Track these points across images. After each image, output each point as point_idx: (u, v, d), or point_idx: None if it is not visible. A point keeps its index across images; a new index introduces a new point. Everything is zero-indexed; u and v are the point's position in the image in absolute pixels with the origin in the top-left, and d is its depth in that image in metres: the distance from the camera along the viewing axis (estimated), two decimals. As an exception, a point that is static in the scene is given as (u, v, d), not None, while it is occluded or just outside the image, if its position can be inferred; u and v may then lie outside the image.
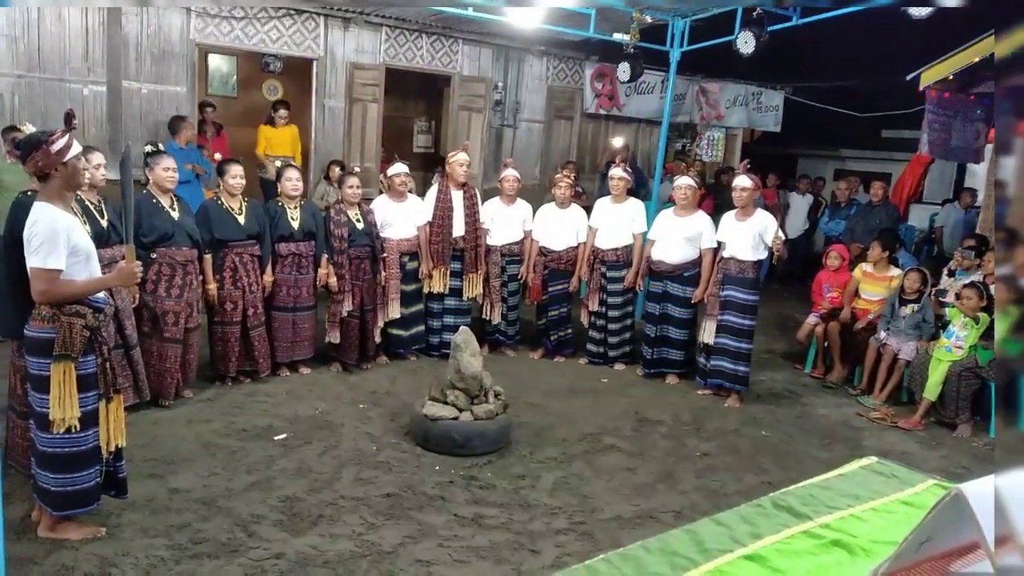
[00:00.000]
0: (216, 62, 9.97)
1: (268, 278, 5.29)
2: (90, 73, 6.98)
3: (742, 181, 5.57)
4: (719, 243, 5.76)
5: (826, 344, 6.52)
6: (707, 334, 5.72)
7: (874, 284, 6.38)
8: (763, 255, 5.60)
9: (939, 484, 2.82)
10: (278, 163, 6.18)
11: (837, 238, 8.90)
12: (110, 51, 6.96)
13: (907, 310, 5.94)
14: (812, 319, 6.67)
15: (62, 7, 6.68)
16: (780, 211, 10.34)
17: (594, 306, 6.27)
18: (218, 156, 6.61)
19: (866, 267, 6.48)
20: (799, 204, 10.72)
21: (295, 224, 5.41)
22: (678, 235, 5.87)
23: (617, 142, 10.45)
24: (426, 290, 6.16)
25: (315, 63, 8.23)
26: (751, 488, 4.33)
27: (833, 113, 11.80)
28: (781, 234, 5.49)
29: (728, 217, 5.75)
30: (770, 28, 6.57)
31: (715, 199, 9.64)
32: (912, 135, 9.28)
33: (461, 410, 4.47)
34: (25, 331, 3.11)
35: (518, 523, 3.75)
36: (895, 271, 6.35)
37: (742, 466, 4.63)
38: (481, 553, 3.46)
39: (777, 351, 7.32)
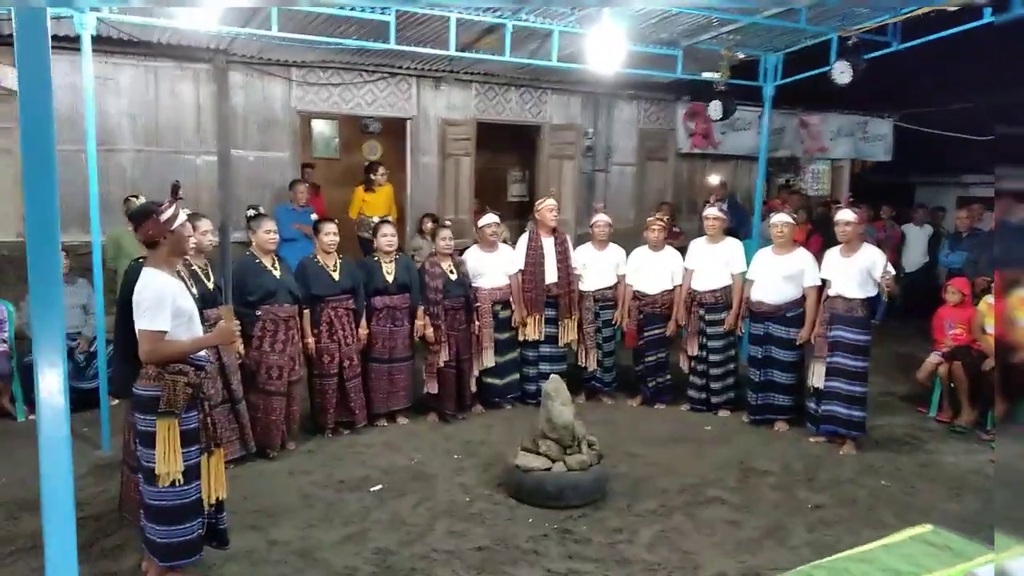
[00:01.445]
0: (319, 126, 10.50)
1: (363, 331, 5.42)
2: (202, 144, 7.49)
3: (845, 215, 5.31)
4: (824, 281, 5.48)
5: (952, 385, 6.03)
6: (816, 377, 5.41)
7: (1002, 318, 5.87)
8: (872, 292, 5.27)
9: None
10: (375, 220, 6.39)
11: (959, 271, 8.31)
12: (220, 123, 7.46)
13: (1043, 345, 5.42)
14: (934, 358, 6.20)
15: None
16: (890, 244, 9.78)
17: (693, 350, 6.07)
18: (314, 216, 6.90)
19: (990, 300, 5.99)
20: (916, 236, 10.10)
21: (389, 278, 5.54)
22: (777, 274, 5.63)
23: (713, 180, 10.24)
24: (520, 338, 6.15)
25: (409, 122, 8.54)
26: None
27: (951, 138, 11.14)
28: (891, 269, 5.16)
29: (833, 253, 5.47)
30: (868, 55, 6.32)
31: (822, 235, 9.22)
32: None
33: (554, 460, 4.38)
34: (133, 389, 3.29)
35: (614, 580, 3.60)
36: (1026, 303, 5.82)
37: (859, 520, 4.30)
38: (575, 611, 3.34)
39: (897, 393, 6.84)
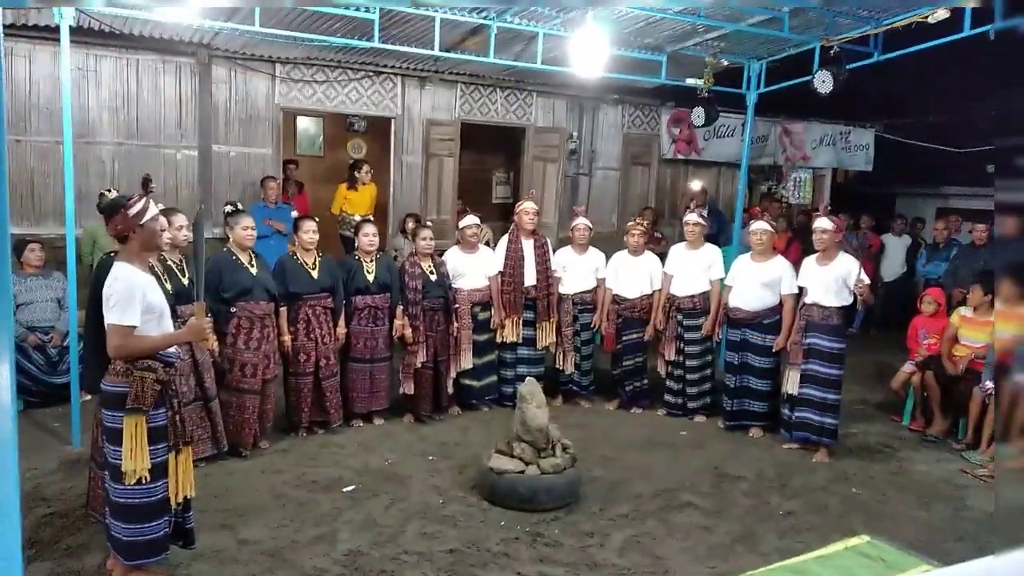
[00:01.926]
0: (304, 124, 10.45)
1: (341, 330, 5.39)
2: (183, 139, 7.44)
3: (822, 223, 5.35)
4: (801, 289, 5.52)
5: (925, 394, 6.09)
6: (791, 384, 5.45)
7: (975, 330, 5.93)
8: (848, 300, 5.31)
9: (932, 567, 2.49)
10: (357, 218, 6.36)
11: (937, 281, 8.39)
12: (201, 118, 7.41)
13: (1014, 357, 5.48)
14: (908, 367, 6.26)
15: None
16: (868, 254, 9.88)
17: (671, 355, 6.09)
18: (294, 213, 6.86)
19: (964, 311, 6.05)
20: (895, 246, 10.18)
21: (371, 277, 5.52)
22: (755, 281, 5.66)
23: (695, 186, 10.27)
24: (499, 340, 6.15)
25: (393, 121, 8.51)
26: (839, 551, 4.03)
27: (932, 149, 11.25)
28: (865, 278, 5.20)
29: (809, 261, 5.51)
30: (850, 66, 6.37)
31: (802, 243, 9.29)
32: None
33: (527, 463, 4.38)
34: (101, 385, 3.25)
35: (584, 584, 3.60)
36: (999, 315, 5.89)
37: (830, 527, 4.32)
38: (544, 615, 3.33)
39: (872, 402, 6.89)
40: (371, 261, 5.58)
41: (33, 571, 3.45)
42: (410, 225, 7.68)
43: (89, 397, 4.97)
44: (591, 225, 6.37)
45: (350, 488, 4.54)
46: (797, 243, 9.10)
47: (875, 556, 2.58)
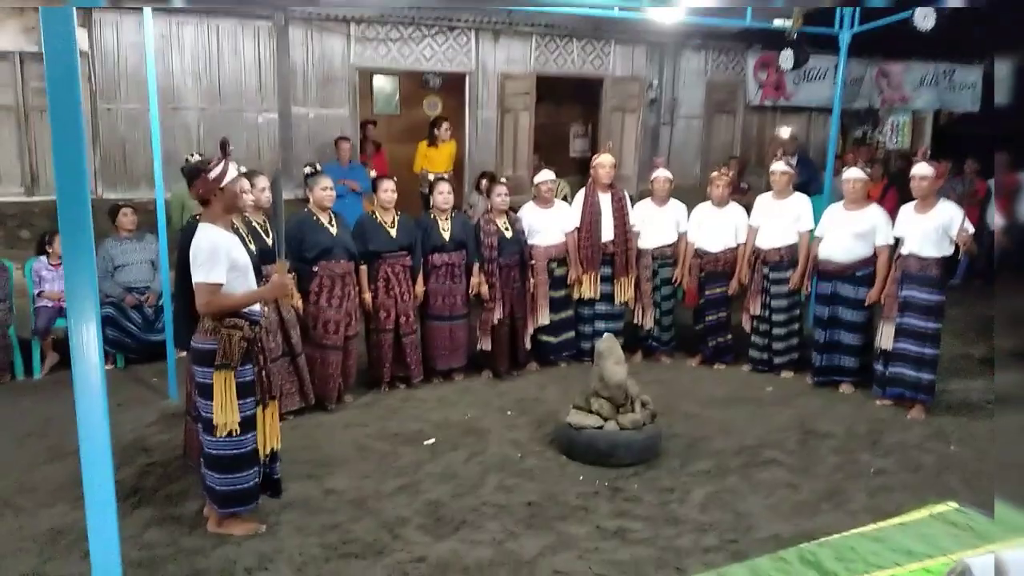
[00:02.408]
0: (380, 82, 10.49)
1: (420, 288, 5.44)
2: (263, 102, 7.60)
3: (921, 169, 5.01)
4: (897, 239, 5.22)
5: (1033, 349, 5.70)
6: (885, 338, 5.19)
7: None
8: (948, 251, 4.99)
9: None
10: (431, 177, 6.37)
11: (1050, 227, 7.80)
12: (280, 80, 7.53)
13: None
14: (1015, 320, 5.86)
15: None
16: (974, 200, 9.27)
17: (756, 310, 5.90)
18: (373, 173, 6.92)
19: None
20: (1002, 191, 9.51)
21: (446, 235, 5.53)
22: (847, 231, 5.38)
23: (784, 133, 9.83)
24: (576, 296, 6.09)
25: (468, 76, 8.44)
26: (934, 512, 3.86)
27: (1047, 85, 10.37)
28: (969, 227, 4.86)
29: (907, 209, 5.19)
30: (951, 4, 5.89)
31: (899, 190, 8.78)
32: None
33: (606, 419, 4.34)
34: (191, 343, 3.38)
35: (664, 539, 3.57)
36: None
37: (923, 486, 4.13)
38: (623, 568, 3.32)
39: (975, 357, 6.51)
40: (446, 219, 5.58)
41: (136, 517, 3.67)
42: (484, 183, 7.65)
43: (184, 353, 5.21)
44: (671, 177, 6.18)
45: (430, 441, 4.62)
46: (894, 190, 8.60)
47: (963, 524, 2.43)
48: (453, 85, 9.63)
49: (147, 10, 4.98)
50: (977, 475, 4.27)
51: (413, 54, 8.13)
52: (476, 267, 5.60)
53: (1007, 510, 2.44)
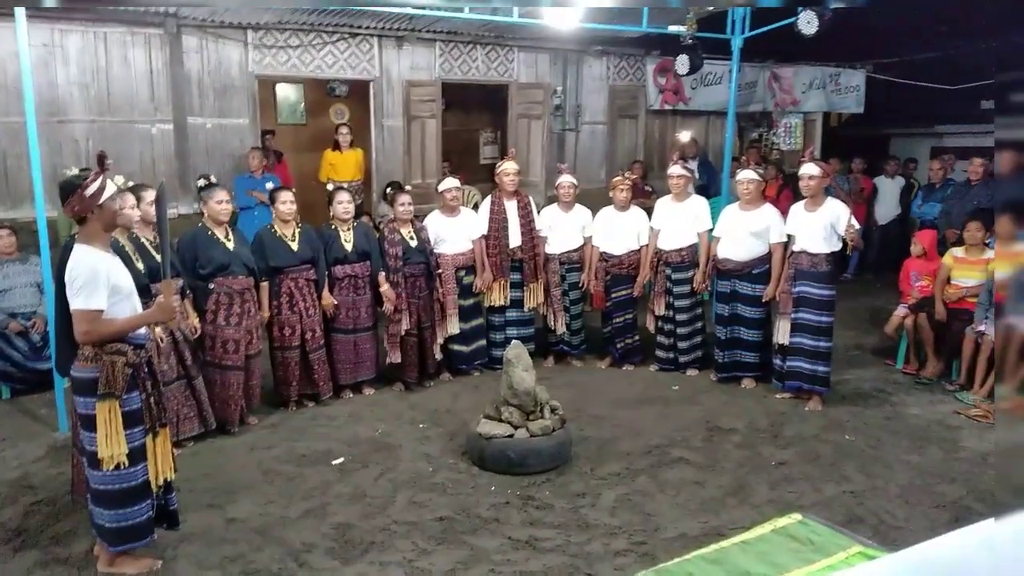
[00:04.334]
0: (284, 91, 10.22)
1: (329, 299, 5.31)
2: (157, 112, 7.26)
3: (808, 169, 5.23)
4: (789, 236, 5.43)
5: (918, 337, 6.04)
6: (782, 334, 5.40)
7: (968, 269, 5.86)
8: (837, 247, 5.22)
9: (865, 552, 2.37)
10: (330, 186, 6.23)
11: (932, 222, 8.29)
12: (174, 90, 7.23)
13: (1007, 296, 5.41)
14: (901, 311, 6.20)
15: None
16: (862, 198, 9.77)
17: (660, 310, 6.02)
18: (269, 185, 6.72)
19: (957, 252, 5.97)
20: (889, 188, 10.04)
21: (348, 246, 5.42)
22: (744, 230, 5.56)
23: (684, 137, 10.11)
24: (486, 303, 6.08)
25: (372, 84, 8.32)
26: (831, 499, 4.04)
27: (924, 88, 11.02)
28: (855, 223, 5.10)
29: (797, 208, 5.41)
30: (835, 5, 6.18)
31: (794, 190, 9.15)
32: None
33: (516, 427, 4.34)
34: (71, 372, 3.19)
35: (575, 545, 3.59)
36: (990, 253, 5.81)
37: (822, 475, 4.31)
38: (534, 579, 3.32)
39: (867, 347, 6.85)
40: (348, 230, 5.47)
41: (20, 560, 3.44)
42: (389, 192, 7.56)
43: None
44: (576, 183, 6.25)
45: (339, 460, 4.51)
46: (789, 190, 8.95)
47: (803, 538, 2.47)
48: (359, 93, 9.47)
49: (21, 16, 4.68)
50: (872, 461, 4.49)
51: (314, 61, 7.94)
52: (382, 275, 5.50)
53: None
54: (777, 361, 5.50)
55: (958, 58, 10.05)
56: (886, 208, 9.97)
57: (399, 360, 5.60)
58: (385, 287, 5.48)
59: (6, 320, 5.56)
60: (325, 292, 5.32)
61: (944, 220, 8.12)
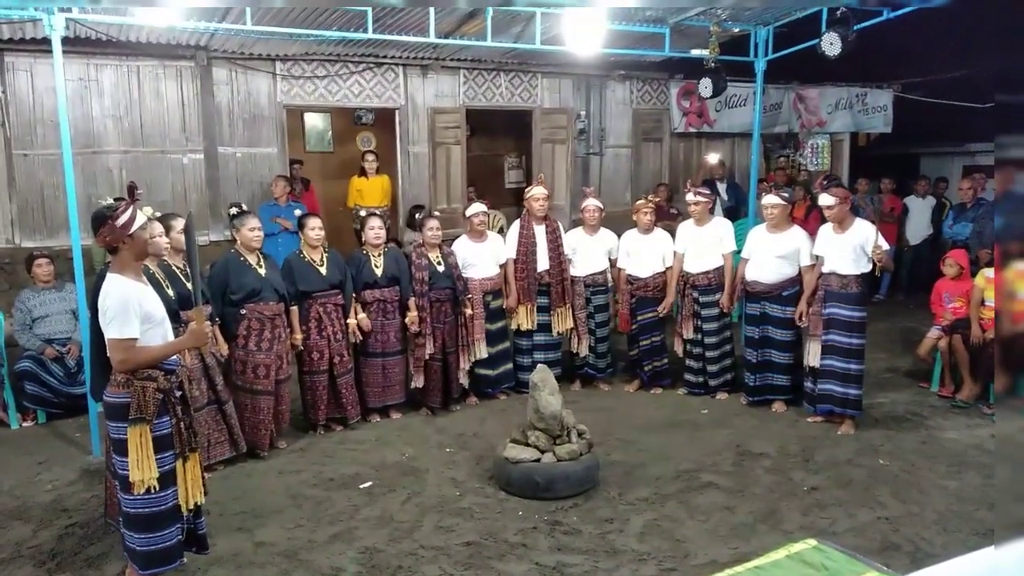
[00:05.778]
0: (312, 120, 10.42)
1: (353, 323, 5.35)
2: (188, 143, 7.44)
3: (824, 199, 5.20)
4: (818, 258, 5.38)
5: (953, 359, 5.92)
6: (812, 356, 5.33)
7: (1002, 290, 5.74)
8: (866, 268, 5.16)
9: (882, 574, 2.32)
10: (362, 212, 6.32)
11: (964, 242, 8.16)
12: (205, 121, 7.40)
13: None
14: (934, 332, 6.09)
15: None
16: (891, 217, 9.65)
17: (688, 333, 5.99)
18: (298, 212, 6.83)
19: (988, 273, 5.86)
20: (919, 207, 9.92)
21: (379, 271, 5.48)
22: (771, 253, 5.53)
23: (712, 159, 10.10)
24: (513, 327, 6.09)
25: (397, 112, 8.45)
26: (865, 525, 3.95)
27: (954, 106, 10.90)
28: (883, 243, 5.04)
29: (826, 229, 5.36)
30: (860, 26, 6.17)
31: (822, 211, 9.07)
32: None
33: (543, 451, 4.32)
34: (104, 397, 3.24)
35: (603, 571, 3.54)
36: (1027, 273, 5.68)
37: (855, 501, 4.22)
38: (562, 606, 3.28)
39: (900, 369, 6.73)
40: (379, 255, 5.53)
41: (53, 583, 3.48)
42: (416, 216, 7.63)
43: (106, 406, 5.01)
44: (601, 206, 6.26)
45: (367, 484, 4.52)
46: (817, 211, 8.85)
47: (817, 564, 2.41)
48: (385, 121, 9.62)
49: (56, 51, 4.84)
50: (906, 486, 4.38)
51: (341, 91, 8.10)
52: (411, 301, 5.54)
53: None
54: (808, 384, 5.43)
55: (986, 76, 9.93)
56: (917, 228, 9.84)
57: (423, 384, 5.61)
58: (413, 313, 5.52)
59: (42, 346, 5.68)
60: (352, 312, 5.36)
61: (976, 240, 7.99)
